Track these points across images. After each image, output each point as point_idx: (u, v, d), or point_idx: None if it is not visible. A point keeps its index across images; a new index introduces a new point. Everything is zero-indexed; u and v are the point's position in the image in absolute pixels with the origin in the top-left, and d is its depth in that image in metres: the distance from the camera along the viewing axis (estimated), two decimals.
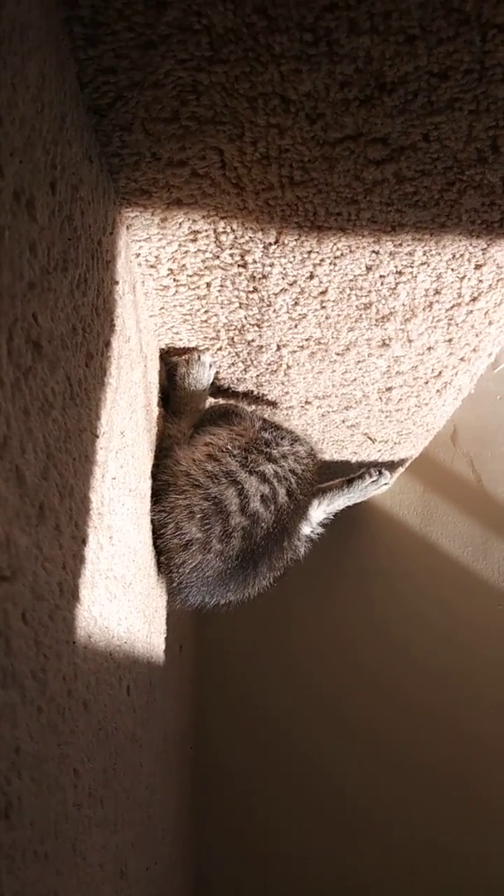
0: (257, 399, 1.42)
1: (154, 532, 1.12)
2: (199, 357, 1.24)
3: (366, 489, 1.53)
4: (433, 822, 1.96)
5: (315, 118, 0.75)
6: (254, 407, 1.43)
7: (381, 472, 1.53)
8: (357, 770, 2.02)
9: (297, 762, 2.03)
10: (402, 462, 1.82)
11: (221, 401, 1.42)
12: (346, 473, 1.88)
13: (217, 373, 1.31)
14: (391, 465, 1.84)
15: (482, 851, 1.92)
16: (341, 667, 2.11)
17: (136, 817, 0.96)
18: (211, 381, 1.30)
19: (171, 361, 1.27)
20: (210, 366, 1.27)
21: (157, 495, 1.13)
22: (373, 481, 1.52)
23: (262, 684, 2.10)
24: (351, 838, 1.97)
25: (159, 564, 1.15)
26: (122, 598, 0.88)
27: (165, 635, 1.27)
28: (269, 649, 2.13)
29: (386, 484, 1.56)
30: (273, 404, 1.44)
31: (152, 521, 1.12)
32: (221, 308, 1.10)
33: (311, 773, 2.02)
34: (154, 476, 1.14)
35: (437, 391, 1.36)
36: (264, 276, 1.01)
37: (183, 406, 1.27)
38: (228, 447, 1.21)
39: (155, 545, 1.13)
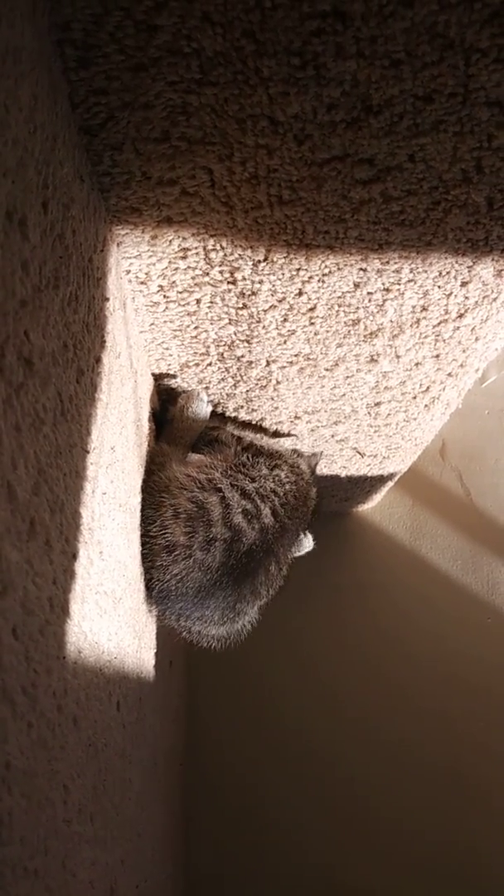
0: (247, 414, 1.43)
1: (142, 536, 1.12)
2: (198, 394, 1.30)
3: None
4: (429, 840, 1.95)
5: (303, 139, 0.76)
6: (240, 431, 1.44)
7: (305, 534, 1.49)
8: (351, 786, 2.01)
9: (289, 779, 2.02)
10: (391, 476, 1.83)
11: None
12: (335, 488, 1.89)
13: (206, 388, 1.32)
14: (380, 480, 1.85)
15: (480, 854, 1.92)
16: (332, 681, 2.11)
17: (126, 834, 0.96)
18: (207, 417, 1.34)
19: (169, 393, 1.29)
20: (207, 403, 1.32)
21: (149, 494, 1.14)
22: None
23: (254, 700, 2.09)
24: (344, 857, 1.96)
25: (146, 574, 1.14)
26: (112, 614, 0.88)
27: (155, 651, 1.26)
28: (260, 664, 2.12)
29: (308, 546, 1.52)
30: (263, 420, 1.45)
31: (142, 523, 1.12)
32: (211, 324, 1.11)
33: (303, 790, 2.01)
34: (148, 484, 1.16)
35: (426, 406, 1.37)
36: (254, 293, 1.02)
37: (178, 438, 1.30)
38: (214, 464, 1.25)
39: (143, 551, 1.13)
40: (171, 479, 1.17)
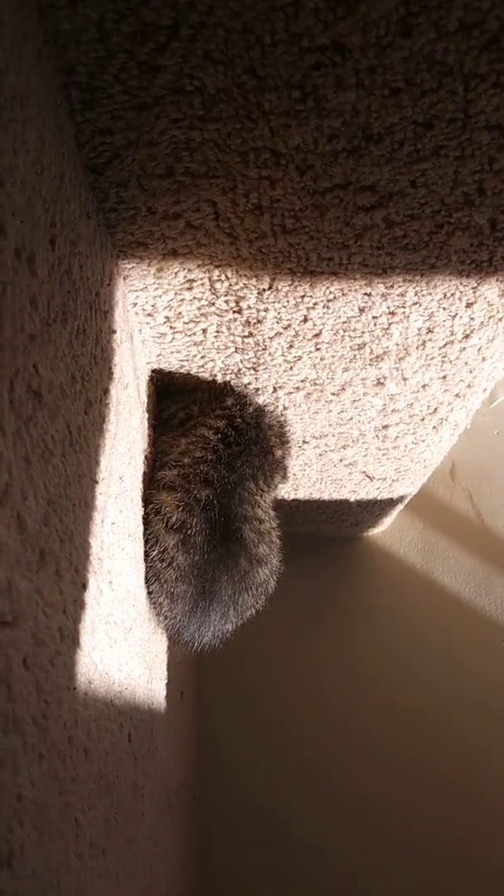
0: None
1: None
2: None
3: None
4: (445, 865, 1.91)
5: (305, 169, 0.77)
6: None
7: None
8: (369, 812, 1.97)
9: (304, 807, 1.99)
10: (401, 499, 1.83)
11: None
12: (345, 513, 1.88)
13: None
14: (390, 503, 1.85)
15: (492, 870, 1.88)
16: (346, 707, 2.08)
17: (139, 868, 0.94)
18: None
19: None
20: None
21: None
22: None
23: (265, 730, 2.07)
24: (362, 884, 1.92)
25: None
26: (122, 644, 0.88)
27: (166, 681, 1.25)
28: (272, 692, 2.10)
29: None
30: None
31: None
32: (218, 353, 1.12)
33: (319, 819, 1.98)
34: None
35: (434, 427, 1.37)
36: (259, 321, 1.03)
37: None
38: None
39: None
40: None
